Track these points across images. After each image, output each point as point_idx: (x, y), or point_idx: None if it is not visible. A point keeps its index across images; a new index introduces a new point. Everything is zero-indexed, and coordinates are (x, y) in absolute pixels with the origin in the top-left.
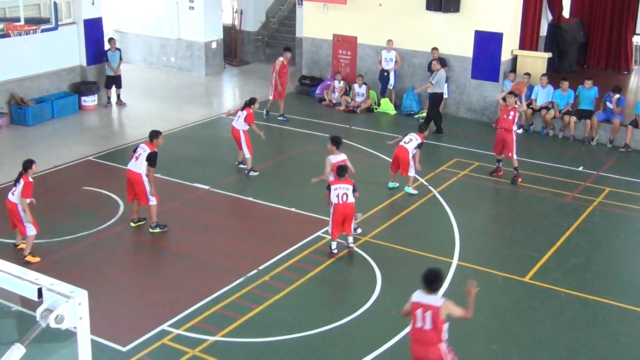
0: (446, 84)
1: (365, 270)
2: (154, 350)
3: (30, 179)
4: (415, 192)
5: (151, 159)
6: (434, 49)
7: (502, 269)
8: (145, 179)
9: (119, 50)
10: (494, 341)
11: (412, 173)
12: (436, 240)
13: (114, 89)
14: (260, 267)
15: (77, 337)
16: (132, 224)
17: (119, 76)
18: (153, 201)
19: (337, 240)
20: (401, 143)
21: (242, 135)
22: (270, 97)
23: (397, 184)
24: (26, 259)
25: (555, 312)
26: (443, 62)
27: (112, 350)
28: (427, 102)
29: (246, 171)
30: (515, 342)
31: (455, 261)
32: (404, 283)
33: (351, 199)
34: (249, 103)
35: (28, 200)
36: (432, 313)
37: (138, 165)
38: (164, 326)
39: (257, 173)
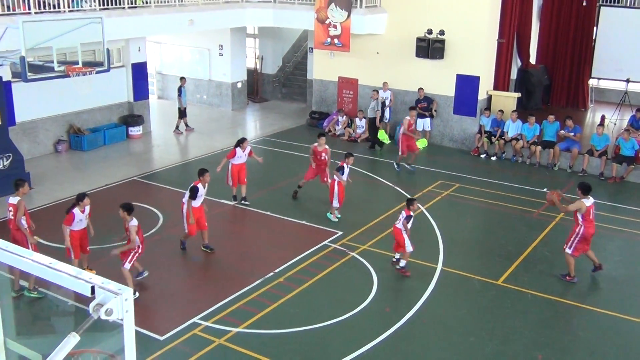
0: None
1: (364, 274)
2: (187, 339)
3: (74, 211)
4: (335, 219)
5: (191, 191)
6: (420, 88)
7: (478, 274)
8: (184, 207)
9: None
10: (471, 334)
11: (335, 204)
12: (424, 249)
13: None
14: (276, 270)
15: (123, 327)
16: (202, 248)
17: (185, 108)
18: (186, 229)
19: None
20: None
21: (229, 169)
22: (400, 153)
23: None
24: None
25: (524, 310)
26: (429, 101)
27: (151, 339)
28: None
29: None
30: (490, 335)
31: (439, 267)
32: (396, 284)
33: (399, 225)
34: (239, 142)
35: (67, 229)
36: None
37: (184, 195)
38: (195, 319)
39: (233, 203)
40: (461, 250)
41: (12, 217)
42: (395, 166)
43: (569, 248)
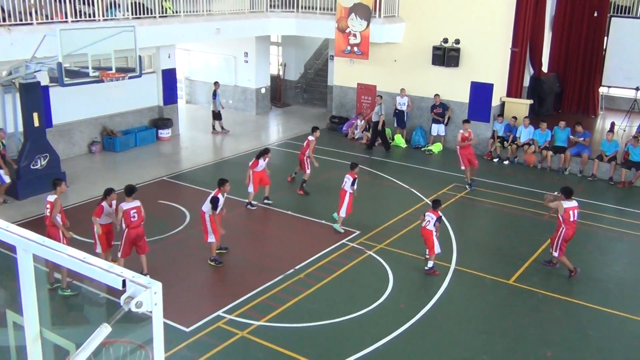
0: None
1: (380, 272)
2: (211, 331)
3: (103, 204)
4: (341, 231)
5: (212, 202)
6: (436, 95)
7: (490, 273)
8: (207, 217)
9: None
10: (483, 331)
11: (342, 214)
12: None
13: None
14: (297, 267)
15: (152, 319)
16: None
17: (219, 111)
18: (212, 239)
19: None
20: (344, 186)
21: (251, 176)
22: (462, 167)
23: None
24: None
25: (534, 309)
26: (444, 107)
27: (178, 330)
28: (372, 129)
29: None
30: (501, 333)
31: (452, 266)
32: (410, 282)
33: (430, 227)
34: (262, 153)
35: (97, 220)
36: (577, 210)
37: (204, 204)
38: (219, 312)
39: (254, 208)
40: (474, 250)
41: (49, 214)
42: (468, 187)
43: (555, 251)
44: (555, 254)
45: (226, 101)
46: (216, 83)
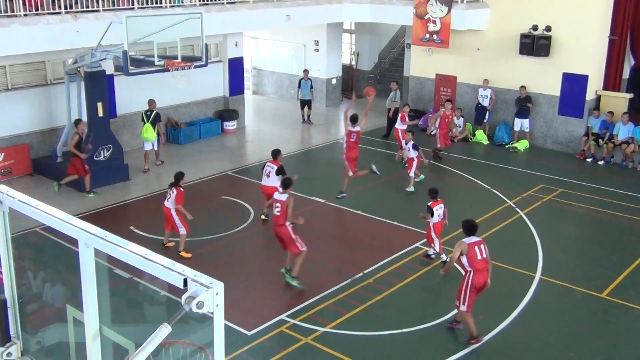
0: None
1: (456, 279)
2: (274, 335)
3: (182, 189)
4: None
5: (280, 171)
6: (522, 87)
7: (581, 285)
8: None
9: (310, 80)
10: (571, 349)
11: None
12: (521, 256)
13: (305, 109)
14: (365, 271)
15: (213, 320)
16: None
17: (310, 100)
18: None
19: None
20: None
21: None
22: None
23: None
24: (181, 254)
25: (629, 327)
26: (528, 99)
27: (239, 333)
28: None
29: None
30: (590, 351)
31: (538, 275)
32: (491, 292)
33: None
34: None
35: (179, 206)
36: (484, 246)
37: (271, 180)
38: (283, 316)
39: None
40: (562, 258)
41: (278, 213)
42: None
43: (463, 304)
44: (463, 308)
45: (294, 92)
46: (305, 71)
